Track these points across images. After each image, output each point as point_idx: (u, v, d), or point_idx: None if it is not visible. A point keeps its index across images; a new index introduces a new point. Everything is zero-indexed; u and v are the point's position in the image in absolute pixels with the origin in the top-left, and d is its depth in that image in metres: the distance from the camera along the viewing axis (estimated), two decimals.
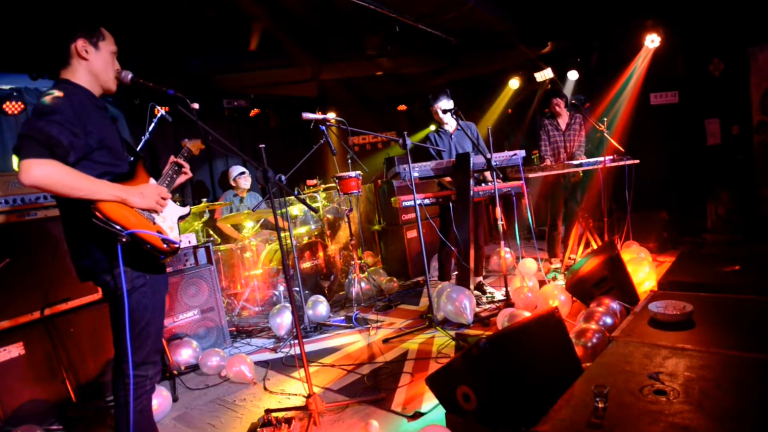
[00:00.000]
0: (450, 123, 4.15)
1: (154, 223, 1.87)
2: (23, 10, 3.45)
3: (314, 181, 5.29)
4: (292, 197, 5.25)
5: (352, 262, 4.77)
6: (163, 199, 1.92)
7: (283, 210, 4.27)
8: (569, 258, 4.60)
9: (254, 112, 6.48)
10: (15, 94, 4.49)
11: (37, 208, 3.01)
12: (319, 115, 3.45)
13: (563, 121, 4.82)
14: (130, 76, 1.97)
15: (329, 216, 5.62)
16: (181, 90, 2.07)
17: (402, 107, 7.94)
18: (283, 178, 3.28)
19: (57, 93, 1.72)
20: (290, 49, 5.12)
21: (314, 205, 5.39)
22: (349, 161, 4.85)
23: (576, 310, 3.36)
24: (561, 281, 4.06)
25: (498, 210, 3.74)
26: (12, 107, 4.46)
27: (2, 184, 2.99)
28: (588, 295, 3.24)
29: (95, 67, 1.87)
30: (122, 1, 3.58)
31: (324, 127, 3.61)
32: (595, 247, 4.39)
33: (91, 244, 1.76)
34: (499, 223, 3.78)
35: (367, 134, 7.49)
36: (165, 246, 1.82)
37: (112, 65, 1.95)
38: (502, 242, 3.93)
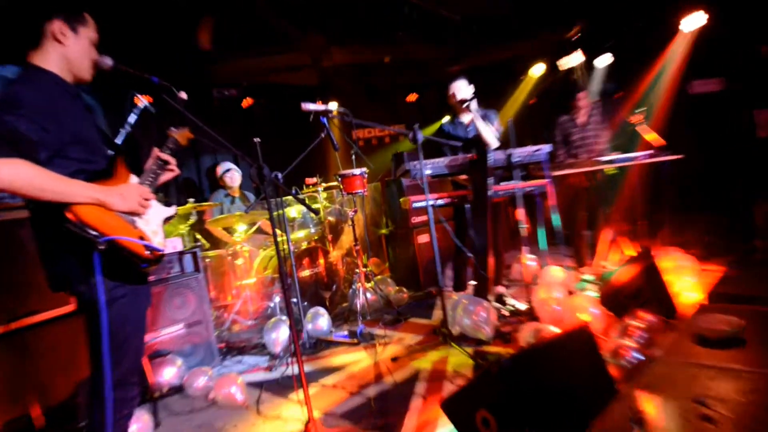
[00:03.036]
0: (467, 113, 4.14)
1: (136, 228, 1.86)
2: None
3: (314, 180, 5.28)
4: (290, 197, 5.25)
5: (357, 270, 4.76)
6: (146, 200, 1.91)
7: (280, 211, 4.26)
8: (600, 266, 4.56)
9: (247, 102, 6.51)
10: None
11: (0, 210, 3.03)
12: (319, 106, 3.44)
13: (583, 116, 4.77)
14: (110, 61, 1.97)
15: (331, 218, 5.62)
16: (166, 79, 2.07)
17: (412, 97, 7.93)
18: (279, 175, 3.28)
19: (24, 81, 1.72)
20: (287, 31, 5.13)
21: (314, 206, 5.38)
22: (353, 157, 4.83)
23: (609, 325, 3.31)
24: (591, 292, 4.02)
25: (520, 212, 3.71)
26: None
27: None
28: (622, 308, 3.20)
29: (71, 53, 1.86)
30: None
31: (325, 119, 3.60)
32: (628, 253, 4.34)
33: (65, 251, 1.75)
34: (521, 226, 3.75)
35: (374, 127, 7.47)
36: (147, 253, 1.82)
37: (90, 54, 1.94)
38: (525, 248, 3.90)
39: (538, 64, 6.79)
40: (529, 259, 4.74)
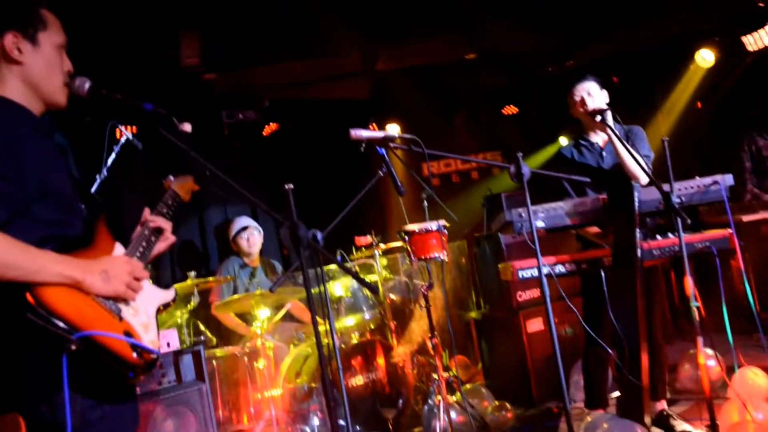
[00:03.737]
0: (600, 131, 4.13)
1: (121, 320, 1.94)
2: None
3: (368, 240, 5.36)
4: (334, 267, 5.34)
5: (434, 376, 4.70)
6: (137, 280, 2.00)
7: (320, 288, 4.33)
8: None
9: (269, 128, 6.78)
10: None
11: None
12: (375, 132, 3.54)
13: None
14: (87, 84, 2.12)
15: (394, 297, 5.64)
16: (156, 97, 2.20)
17: (510, 110, 7.98)
18: (319, 235, 3.37)
19: None
20: (330, 26, 5.33)
21: (369, 278, 5.44)
22: (425, 204, 4.89)
23: None
24: None
25: (689, 281, 3.59)
26: None
27: None
28: None
29: (33, 72, 2.02)
30: None
31: (384, 151, 3.70)
32: None
33: (21, 354, 1.82)
34: (692, 303, 3.62)
35: (455, 158, 7.58)
36: (135, 357, 1.88)
37: (60, 66, 2.09)
38: (700, 338, 3.74)
39: (706, 48, 6.67)
40: (707, 357, 4.55)
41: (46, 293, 1.76)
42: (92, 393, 1.86)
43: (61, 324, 1.73)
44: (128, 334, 1.91)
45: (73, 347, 1.72)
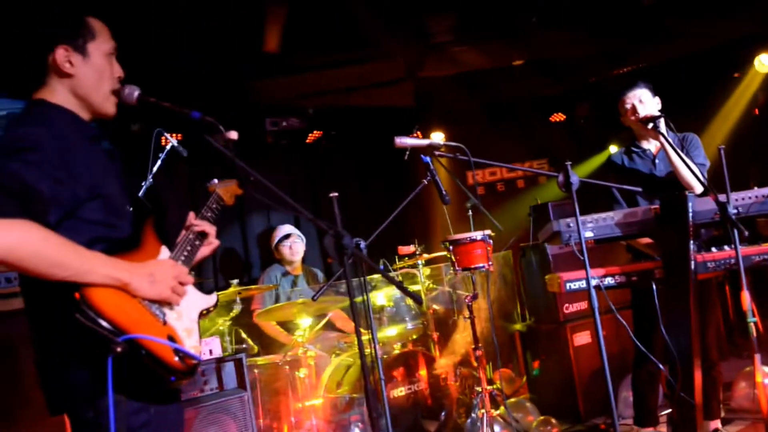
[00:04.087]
0: (652, 138, 4.08)
1: (165, 324, 1.97)
2: None
3: (412, 249, 5.36)
4: (377, 276, 5.35)
5: (478, 388, 4.67)
6: (182, 284, 2.04)
7: (362, 298, 4.35)
8: None
9: (313, 135, 6.84)
10: None
11: None
12: (420, 140, 3.55)
13: None
14: (136, 93, 2.17)
15: (437, 307, 5.62)
16: (200, 105, 2.23)
17: (557, 117, 7.92)
18: (362, 244, 3.38)
19: (31, 120, 1.92)
20: (374, 32, 5.35)
21: (412, 288, 5.43)
22: (470, 213, 4.87)
23: None
24: None
25: (745, 295, 3.51)
26: None
27: None
28: None
29: (84, 83, 2.07)
30: None
31: (429, 159, 3.70)
32: None
33: (67, 355, 1.86)
34: (749, 319, 3.53)
35: (500, 166, 7.55)
36: (177, 361, 1.89)
37: (110, 74, 2.14)
38: (758, 356, 3.65)
39: (764, 54, 6.53)
40: (765, 375, 4.44)
41: (93, 294, 1.80)
42: (136, 397, 1.89)
43: (107, 325, 1.77)
44: (171, 338, 1.94)
45: (119, 350, 1.74)
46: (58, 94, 2.06)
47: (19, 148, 1.82)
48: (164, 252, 2.18)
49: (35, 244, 1.73)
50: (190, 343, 2.04)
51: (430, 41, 5.76)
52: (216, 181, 2.66)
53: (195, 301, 2.19)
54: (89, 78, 2.08)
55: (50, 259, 1.75)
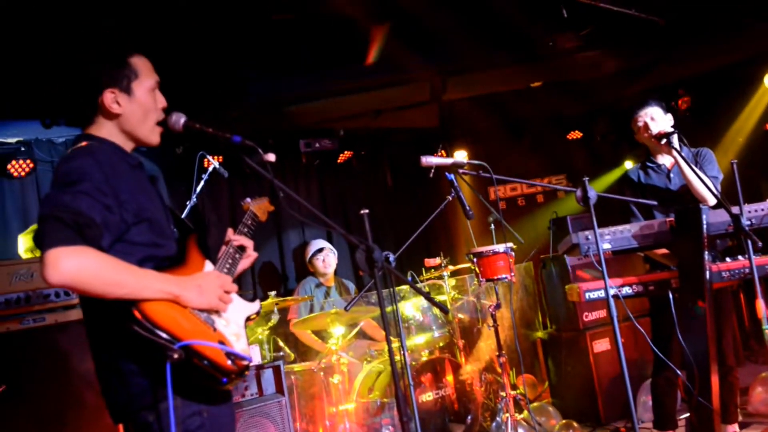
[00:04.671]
0: (666, 154, 4.08)
1: (215, 330, 2.04)
2: (29, 44, 4.12)
3: (437, 261, 5.39)
4: (405, 287, 5.39)
5: (502, 394, 4.68)
6: (227, 293, 2.11)
7: (392, 307, 4.40)
8: None
9: (344, 156, 6.93)
10: (23, 149, 5.21)
11: (42, 311, 3.41)
12: (444, 159, 3.60)
13: None
14: (183, 120, 2.22)
15: (462, 316, 5.62)
16: (238, 128, 2.30)
17: (575, 134, 7.92)
18: (391, 257, 3.44)
19: (81, 153, 1.99)
20: (399, 57, 5.43)
21: (438, 298, 5.46)
22: (492, 228, 4.89)
23: None
24: None
25: (760, 303, 3.49)
26: (19, 168, 5.17)
27: (2, 277, 3.39)
28: None
29: (130, 120, 2.15)
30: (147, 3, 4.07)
31: (452, 177, 3.75)
32: None
33: (127, 365, 1.93)
34: (764, 326, 3.51)
35: (521, 182, 7.56)
36: (229, 363, 1.95)
37: (155, 108, 2.21)
38: None
39: None
40: None
41: (149, 308, 1.88)
42: (193, 400, 1.96)
43: (164, 335, 1.83)
44: (222, 343, 2.00)
45: (176, 356, 1.80)
46: (104, 128, 2.14)
47: (69, 181, 1.90)
48: (208, 266, 2.25)
49: (95, 267, 1.81)
50: (240, 346, 2.11)
51: (452, 66, 5.82)
52: (249, 199, 2.76)
53: (240, 308, 2.26)
54: (135, 115, 2.15)
55: (109, 279, 1.83)
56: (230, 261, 2.36)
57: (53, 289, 3.56)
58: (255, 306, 2.35)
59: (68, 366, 3.39)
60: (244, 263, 2.50)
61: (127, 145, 2.19)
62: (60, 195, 1.87)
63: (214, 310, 2.08)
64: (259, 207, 2.73)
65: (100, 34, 4.11)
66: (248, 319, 2.29)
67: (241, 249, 2.47)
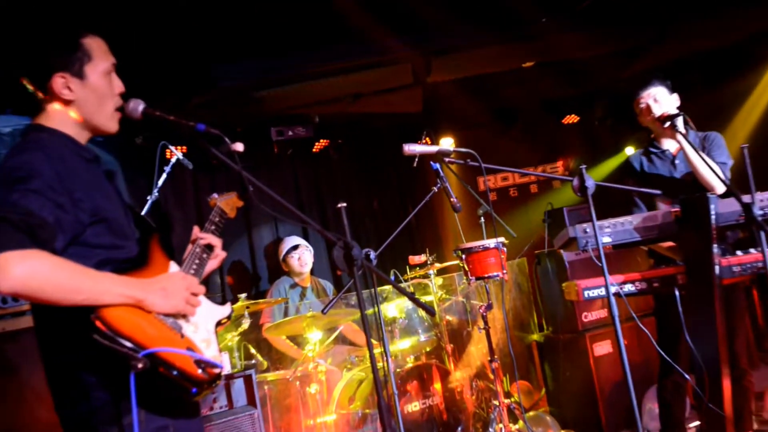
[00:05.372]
0: (671, 138, 4.07)
1: (183, 336, 2.02)
2: None
3: (423, 259, 5.37)
4: (388, 287, 5.36)
5: (495, 402, 4.67)
6: (194, 295, 2.09)
7: (373, 309, 4.37)
8: None
9: (320, 144, 6.88)
10: None
11: None
12: (429, 146, 3.57)
13: None
14: (141, 107, 2.20)
15: (450, 318, 5.62)
16: (203, 115, 2.26)
17: (571, 119, 7.93)
18: (372, 255, 3.41)
19: (29, 147, 1.96)
20: (378, 36, 5.38)
21: (424, 299, 5.44)
22: (482, 221, 4.88)
23: None
24: None
25: None
26: None
27: None
28: None
29: (84, 106, 2.11)
30: None
31: (438, 166, 3.72)
32: None
33: (86, 377, 1.90)
34: None
35: (513, 172, 7.55)
36: (200, 372, 1.93)
37: (111, 93, 2.17)
38: None
39: None
40: None
41: (110, 314, 1.85)
42: (159, 413, 1.95)
43: (127, 343, 1.81)
44: (191, 350, 1.98)
45: (140, 365, 1.79)
46: (55, 117, 2.09)
47: (17, 177, 1.86)
48: (173, 267, 2.24)
49: (47, 272, 1.78)
50: (210, 353, 2.10)
51: (437, 45, 5.79)
52: (216, 195, 2.75)
53: (210, 312, 2.25)
54: (89, 101, 2.12)
55: (64, 285, 1.80)
56: (197, 261, 2.35)
57: (0, 296, 3.51)
58: (225, 309, 2.34)
59: (18, 379, 3.34)
60: (212, 263, 2.48)
61: (82, 136, 2.15)
62: (7, 194, 1.83)
63: (181, 314, 2.06)
64: (227, 202, 2.72)
65: (48, 14, 4.02)
66: (218, 323, 2.28)
67: (209, 248, 2.45)
